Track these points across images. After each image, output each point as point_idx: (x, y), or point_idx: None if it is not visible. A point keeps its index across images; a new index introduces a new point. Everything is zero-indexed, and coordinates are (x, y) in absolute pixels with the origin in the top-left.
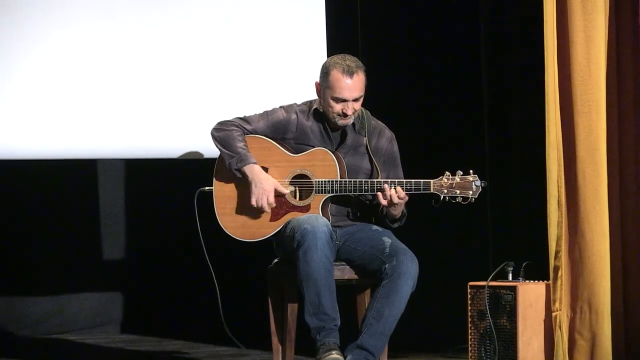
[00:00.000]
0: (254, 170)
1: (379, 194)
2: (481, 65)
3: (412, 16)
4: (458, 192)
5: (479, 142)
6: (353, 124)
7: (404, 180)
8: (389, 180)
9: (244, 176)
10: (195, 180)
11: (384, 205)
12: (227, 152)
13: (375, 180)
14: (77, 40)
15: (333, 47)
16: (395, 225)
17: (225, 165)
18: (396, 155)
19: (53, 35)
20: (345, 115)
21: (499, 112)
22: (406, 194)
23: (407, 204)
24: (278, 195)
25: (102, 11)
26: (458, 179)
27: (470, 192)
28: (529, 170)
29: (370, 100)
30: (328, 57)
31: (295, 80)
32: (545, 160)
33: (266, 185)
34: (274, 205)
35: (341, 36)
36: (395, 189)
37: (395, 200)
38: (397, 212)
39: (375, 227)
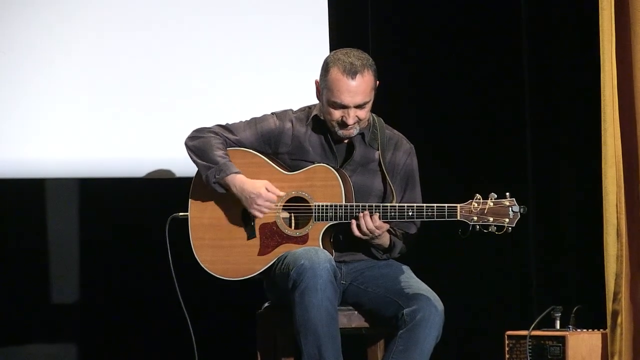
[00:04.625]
0: (237, 181)
1: (353, 222)
2: (523, 66)
3: (438, 10)
4: (491, 219)
5: (519, 158)
6: (363, 134)
7: (424, 205)
8: (406, 204)
9: (227, 190)
10: (167, 205)
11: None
12: (203, 163)
13: (389, 205)
14: (22, 44)
15: (337, 42)
16: (385, 256)
17: (203, 182)
18: (415, 173)
19: None
20: (345, 124)
21: (545, 122)
22: (428, 221)
23: (425, 235)
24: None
25: (59, 13)
26: (491, 204)
27: (507, 220)
28: (581, 194)
29: (385, 108)
30: (331, 52)
31: (291, 83)
32: (602, 181)
33: (255, 190)
34: (280, 193)
35: (347, 29)
36: (371, 217)
37: (371, 228)
38: (380, 241)
39: (390, 262)
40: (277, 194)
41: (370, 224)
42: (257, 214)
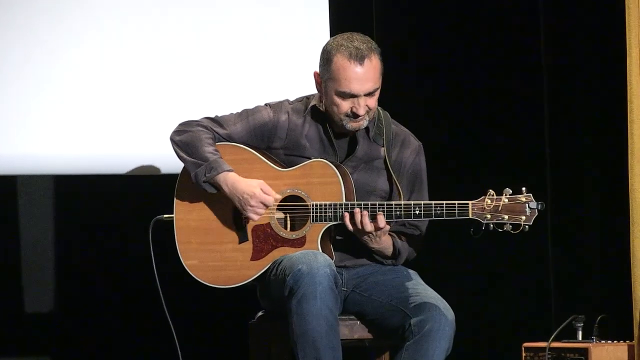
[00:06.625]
0: (229, 180)
1: (346, 215)
2: (540, 52)
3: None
4: (506, 217)
5: (537, 152)
6: (367, 129)
7: (432, 203)
8: (412, 202)
9: (219, 189)
10: (150, 204)
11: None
12: (191, 159)
13: (394, 202)
14: None
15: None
16: (389, 262)
17: (190, 180)
18: (423, 174)
19: None
20: (356, 115)
21: (565, 113)
22: (436, 220)
23: (434, 236)
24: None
25: (41, 11)
26: (506, 200)
27: (523, 218)
28: (605, 191)
29: (390, 102)
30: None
31: (287, 72)
32: (628, 177)
33: (249, 190)
34: (277, 195)
35: (349, 17)
36: (376, 217)
37: (368, 229)
38: (376, 245)
39: (395, 267)
40: (273, 195)
41: (369, 226)
42: (252, 216)
